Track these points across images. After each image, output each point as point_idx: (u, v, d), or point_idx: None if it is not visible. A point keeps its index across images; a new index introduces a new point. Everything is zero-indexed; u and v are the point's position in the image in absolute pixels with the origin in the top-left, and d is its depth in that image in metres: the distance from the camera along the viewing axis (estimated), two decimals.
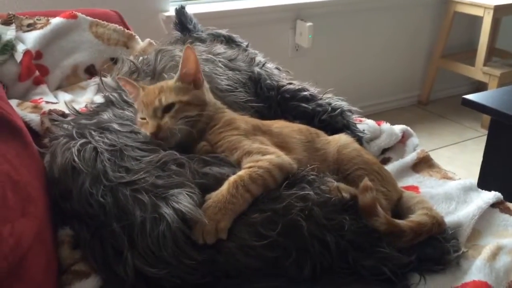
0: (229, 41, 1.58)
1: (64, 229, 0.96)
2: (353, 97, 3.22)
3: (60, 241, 0.95)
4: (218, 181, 0.93)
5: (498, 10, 3.12)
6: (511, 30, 3.64)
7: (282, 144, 1.07)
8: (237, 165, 0.99)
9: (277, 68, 1.53)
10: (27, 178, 0.89)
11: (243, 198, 0.90)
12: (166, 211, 0.87)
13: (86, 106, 1.27)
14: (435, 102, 3.68)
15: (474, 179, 2.06)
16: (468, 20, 3.50)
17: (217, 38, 1.57)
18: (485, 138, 1.99)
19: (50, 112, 1.37)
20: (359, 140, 1.37)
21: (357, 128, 1.41)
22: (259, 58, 1.50)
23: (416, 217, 1.01)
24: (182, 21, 1.62)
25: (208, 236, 0.87)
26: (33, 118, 1.38)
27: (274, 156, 0.99)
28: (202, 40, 1.53)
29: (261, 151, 1.00)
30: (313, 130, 1.17)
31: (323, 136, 1.16)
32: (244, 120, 1.11)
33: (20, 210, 0.80)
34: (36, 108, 1.46)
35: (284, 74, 1.55)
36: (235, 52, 1.45)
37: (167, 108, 1.04)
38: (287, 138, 1.10)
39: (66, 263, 0.93)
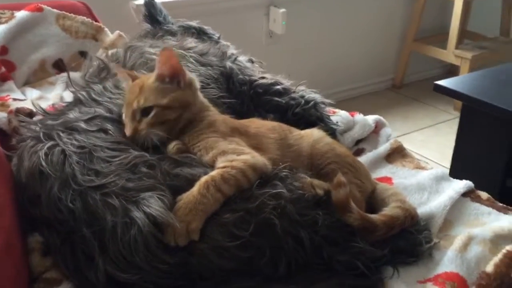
0: (200, 33, 1.56)
1: (34, 236, 0.94)
2: (328, 83, 3.26)
3: (30, 249, 0.93)
4: (190, 183, 0.92)
5: None
6: (482, 12, 3.68)
7: (258, 145, 1.06)
8: (210, 166, 0.98)
9: (250, 60, 1.51)
10: None
11: (214, 198, 0.90)
12: (137, 215, 0.85)
13: (54, 105, 1.24)
14: (409, 85, 3.71)
15: (447, 161, 2.10)
16: (440, 4, 3.52)
17: (188, 30, 1.54)
18: (457, 120, 2.01)
19: (18, 110, 1.34)
20: (333, 132, 1.37)
21: (330, 120, 1.41)
22: (231, 51, 1.48)
23: (389, 210, 1.02)
24: (151, 13, 1.59)
25: (180, 238, 0.86)
26: (0, 117, 1.35)
27: (249, 156, 0.98)
28: (172, 33, 1.50)
29: (236, 151, 0.99)
30: (285, 126, 1.17)
31: (296, 132, 1.16)
32: (224, 122, 1.10)
33: None
34: (3, 106, 1.42)
35: (257, 65, 1.54)
36: (207, 46, 1.42)
37: (145, 112, 1.02)
38: (263, 138, 1.09)
39: (37, 271, 0.92)
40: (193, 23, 1.59)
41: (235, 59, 1.43)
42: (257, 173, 0.96)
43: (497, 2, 3.53)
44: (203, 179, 0.92)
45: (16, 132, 1.30)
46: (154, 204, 0.86)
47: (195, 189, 0.90)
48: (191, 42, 1.42)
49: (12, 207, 0.91)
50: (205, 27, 1.60)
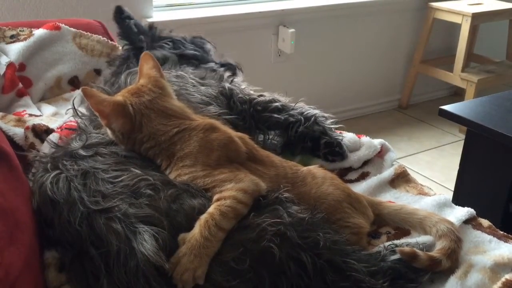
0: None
1: (50, 251, 0.98)
2: (335, 102, 3.31)
3: (47, 264, 0.96)
4: (189, 218, 0.93)
5: (476, 18, 3.19)
6: (489, 36, 3.72)
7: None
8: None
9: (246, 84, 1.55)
10: (14, 203, 0.90)
11: (216, 238, 0.90)
12: (136, 247, 0.88)
13: (61, 134, 1.27)
14: (415, 106, 3.75)
15: (451, 183, 2.11)
16: (447, 27, 3.57)
17: None
18: (462, 142, 2.04)
19: (34, 127, 1.38)
20: (339, 144, 1.41)
21: (334, 131, 1.43)
22: (227, 73, 1.52)
23: (444, 244, 1.07)
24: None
25: (187, 285, 0.88)
26: (17, 132, 1.39)
27: (233, 183, 0.97)
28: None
29: (219, 183, 0.99)
30: (301, 178, 1.15)
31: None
32: (217, 146, 1.05)
33: (8, 239, 0.81)
34: (19, 121, 1.47)
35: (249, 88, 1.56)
36: (203, 71, 1.46)
37: None
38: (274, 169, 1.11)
39: (52, 286, 0.95)
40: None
41: (232, 80, 1.47)
42: (250, 195, 0.97)
43: (504, 26, 3.58)
44: (203, 218, 0.92)
45: (33, 148, 1.35)
46: (148, 242, 0.87)
47: (196, 231, 0.90)
48: (188, 69, 1.45)
49: (32, 225, 0.94)
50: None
